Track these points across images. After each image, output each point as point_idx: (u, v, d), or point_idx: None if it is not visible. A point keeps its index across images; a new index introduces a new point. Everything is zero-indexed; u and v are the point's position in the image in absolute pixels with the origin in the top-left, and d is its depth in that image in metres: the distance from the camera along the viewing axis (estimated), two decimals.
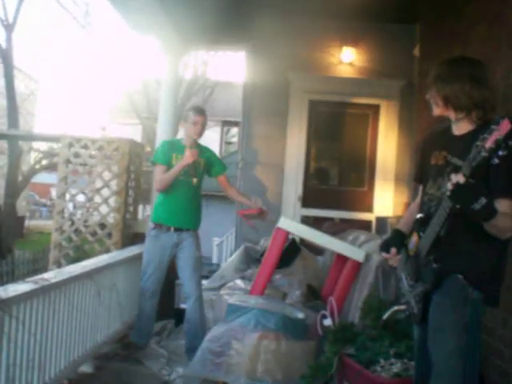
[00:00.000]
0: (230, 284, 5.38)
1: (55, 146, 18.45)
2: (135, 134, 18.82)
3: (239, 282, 5.33)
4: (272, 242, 5.06)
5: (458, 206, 2.40)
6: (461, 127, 2.75)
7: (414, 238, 2.77)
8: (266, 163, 7.46)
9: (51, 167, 18.83)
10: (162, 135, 6.64)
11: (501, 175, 2.49)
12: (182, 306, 5.76)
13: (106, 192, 6.66)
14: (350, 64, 7.44)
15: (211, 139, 23.92)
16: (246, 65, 7.66)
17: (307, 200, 7.51)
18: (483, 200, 2.34)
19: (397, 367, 3.58)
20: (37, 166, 19.93)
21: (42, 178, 26.83)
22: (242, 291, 5.07)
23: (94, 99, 45.50)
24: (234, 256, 6.42)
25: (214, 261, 15.47)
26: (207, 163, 5.19)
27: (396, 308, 3.05)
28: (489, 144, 2.24)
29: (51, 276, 4.12)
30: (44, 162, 19.90)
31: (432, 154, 2.85)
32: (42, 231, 22.78)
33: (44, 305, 3.81)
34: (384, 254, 2.91)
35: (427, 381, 2.70)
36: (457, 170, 2.45)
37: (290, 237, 5.61)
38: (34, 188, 30.52)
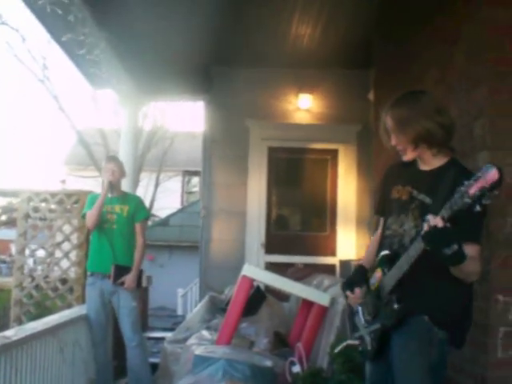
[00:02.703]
0: (196, 335, 5.30)
1: (14, 200, 18.18)
2: (96, 186, 18.64)
3: (205, 333, 5.25)
4: (237, 290, 5.03)
5: (428, 248, 2.33)
6: (431, 163, 2.66)
7: (378, 274, 2.68)
8: (228, 211, 7.47)
9: (10, 223, 18.49)
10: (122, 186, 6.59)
11: (476, 222, 2.46)
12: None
13: (66, 246, 6.55)
14: (308, 110, 7.56)
15: (172, 189, 23.90)
16: (204, 114, 7.73)
17: (270, 246, 7.51)
18: (455, 246, 2.28)
19: None
20: None
21: (1, 234, 26.31)
22: (209, 342, 5.00)
23: (52, 152, 45.22)
24: (198, 306, 6.34)
25: (179, 312, 15.27)
26: (133, 210, 5.32)
27: (349, 342, 3.01)
28: (473, 191, 2.15)
29: (12, 334, 4.02)
30: (3, 218, 19.53)
31: (394, 187, 2.76)
32: (2, 288, 22.17)
33: (6, 363, 3.71)
34: (348, 293, 2.81)
35: None
36: (423, 206, 2.47)
37: (255, 284, 5.59)
38: None
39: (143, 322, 6.43)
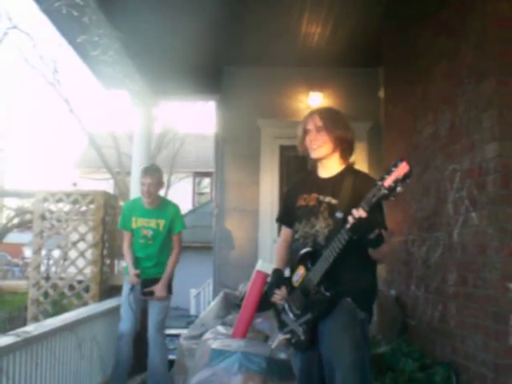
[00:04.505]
0: (211, 330, 5.36)
1: (27, 203, 18.28)
2: (108, 189, 18.76)
3: (220, 328, 5.31)
4: (251, 286, 5.09)
5: (355, 237, 2.70)
6: (331, 169, 3.10)
7: (300, 271, 3.00)
8: (240, 209, 7.53)
9: (23, 225, 18.63)
10: (135, 188, 6.66)
11: (382, 211, 2.89)
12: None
13: (82, 245, 6.64)
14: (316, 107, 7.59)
15: (183, 190, 24.01)
16: (216, 114, 7.81)
17: None
18: (377, 230, 2.70)
19: None
20: (9, 225, 19.69)
21: (14, 237, 26.53)
22: (224, 336, 5.06)
23: (64, 155, 45.40)
24: (213, 303, 6.40)
25: (192, 312, 15.33)
26: (169, 223, 5.32)
27: (281, 337, 3.19)
28: (389, 183, 2.53)
29: (32, 329, 4.10)
30: (16, 220, 19.71)
31: (299, 196, 3.14)
32: (16, 291, 22.35)
33: (27, 358, 3.79)
34: (276, 292, 3.10)
35: None
36: (331, 207, 2.91)
37: (269, 279, 5.64)
38: (5, 248, 30.08)
39: None
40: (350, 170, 3.10)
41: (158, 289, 5.22)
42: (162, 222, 5.26)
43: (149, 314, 5.35)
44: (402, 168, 2.52)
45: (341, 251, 2.77)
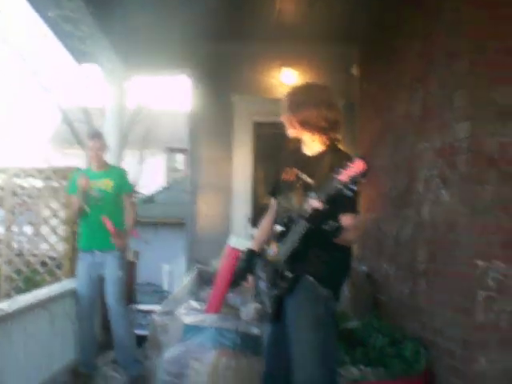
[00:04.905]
0: (184, 305, 5.39)
1: None
2: (80, 164, 18.54)
3: (193, 303, 5.35)
4: (224, 262, 5.12)
5: (312, 226, 2.78)
6: (312, 148, 3.12)
7: (274, 248, 3.09)
8: (213, 185, 7.52)
9: None
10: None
11: (349, 201, 2.82)
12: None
13: (54, 222, 6.60)
14: (291, 85, 7.56)
15: (156, 167, 23.87)
16: (190, 89, 7.74)
17: (256, 220, 7.57)
18: (332, 223, 2.77)
19: (354, 373, 3.69)
20: None
21: None
22: (197, 312, 5.10)
23: (35, 131, 44.65)
24: (186, 279, 6.43)
25: (165, 287, 15.34)
26: (117, 184, 5.37)
27: (254, 306, 3.24)
28: (343, 178, 2.60)
29: (5, 306, 4.09)
30: None
31: (284, 170, 3.19)
32: None
33: (0, 334, 3.79)
34: (245, 284, 3.25)
35: (276, 375, 3.12)
36: (306, 186, 2.94)
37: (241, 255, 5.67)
38: None
39: (131, 296, 6.51)
40: (331, 149, 3.08)
41: (114, 237, 5.20)
42: (110, 183, 5.32)
43: (106, 286, 5.30)
44: (358, 166, 2.59)
45: (303, 235, 2.85)
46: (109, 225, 5.16)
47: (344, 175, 2.60)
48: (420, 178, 4.42)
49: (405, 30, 4.98)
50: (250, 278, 3.22)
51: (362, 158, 2.62)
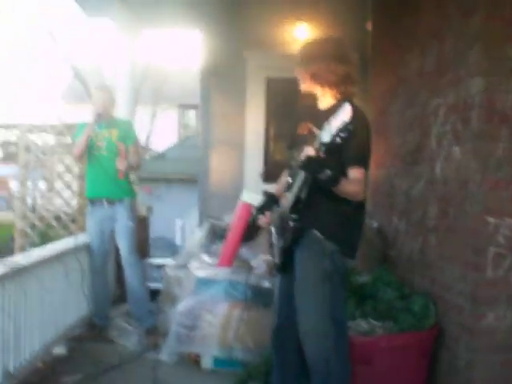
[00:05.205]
0: (196, 259, 5.47)
1: (12, 136, 18.11)
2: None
3: (206, 258, 5.42)
4: (236, 216, 5.16)
5: (306, 174, 2.85)
6: (324, 102, 3.17)
7: (284, 200, 3.15)
8: (226, 142, 7.53)
9: (8, 158, 18.50)
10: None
11: (356, 149, 2.92)
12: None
13: (68, 177, 6.66)
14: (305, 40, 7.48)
15: (168, 123, 23.85)
16: (201, 44, 7.68)
17: (268, 175, 7.58)
18: (328, 172, 2.78)
19: (363, 327, 3.74)
20: None
21: None
22: (209, 265, 5.17)
23: (48, 88, 44.47)
24: (199, 233, 6.49)
25: (178, 242, 15.48)
26: (122, 133, 5.34)
27: (264, 257, 3.23)
28: (334, 125, 2.68)
29: (21, 259, 4.16)
30: (0, 153, 19.57)
31: (300, 124, 3.22)
32: (1, 223, 22.38)
33: (16, 287, 3.87)
34: (260, 217, 3.28)
35: (287, 326, 3.17)
36: (317, 139, 2.87)
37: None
38: None
39: (145, 250, 6.58)
40: (339, 105, 2.96)
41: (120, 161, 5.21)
42: (114, 132, 5.30)
43: (118, 240, 5.36)
44: (346, 112, 2.70)
45: (303, 185, 2.91)
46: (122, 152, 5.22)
47: (335, 123, 2.69)
48: (432, 135, 4.39)
49: None
50: (268, 213, 3.25)
51: (351, 105, 2.72)
